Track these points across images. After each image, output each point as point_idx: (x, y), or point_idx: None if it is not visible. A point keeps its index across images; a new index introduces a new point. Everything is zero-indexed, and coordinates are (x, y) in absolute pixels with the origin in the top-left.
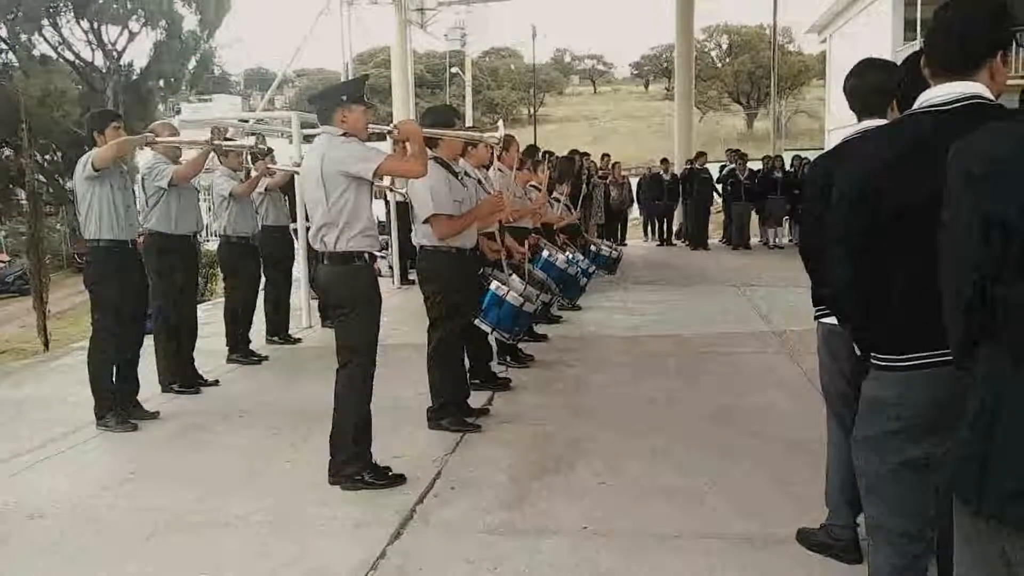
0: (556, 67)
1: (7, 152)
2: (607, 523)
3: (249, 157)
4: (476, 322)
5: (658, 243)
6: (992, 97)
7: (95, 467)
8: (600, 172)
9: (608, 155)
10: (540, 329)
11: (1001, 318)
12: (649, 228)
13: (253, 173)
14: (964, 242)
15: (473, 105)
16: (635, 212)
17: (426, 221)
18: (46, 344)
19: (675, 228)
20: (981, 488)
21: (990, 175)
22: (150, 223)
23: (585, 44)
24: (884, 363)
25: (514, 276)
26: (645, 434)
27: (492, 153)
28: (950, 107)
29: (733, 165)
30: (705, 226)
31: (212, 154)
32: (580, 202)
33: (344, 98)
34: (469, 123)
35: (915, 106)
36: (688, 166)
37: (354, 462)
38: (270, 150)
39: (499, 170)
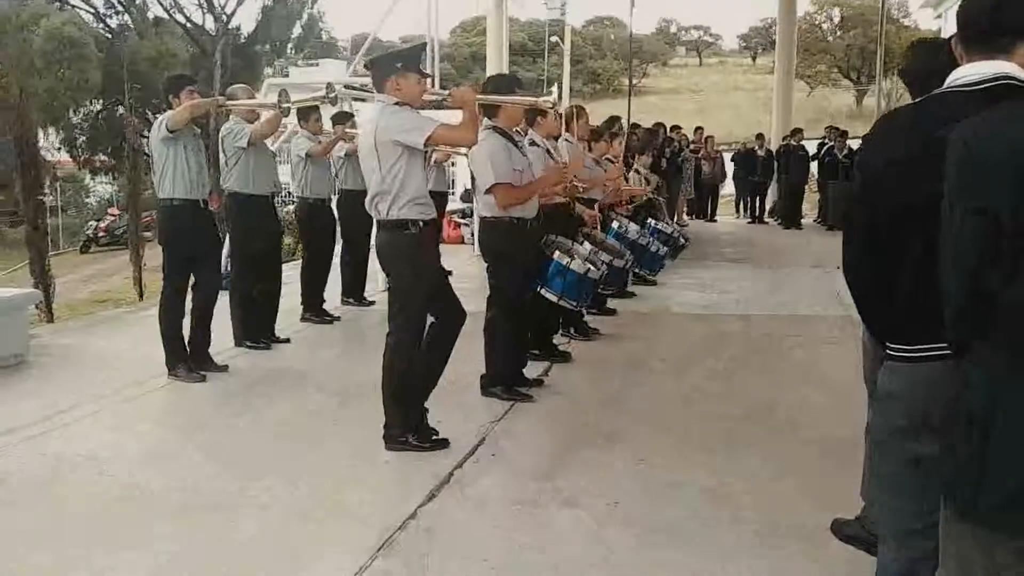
0: (661, 37)
1: (120, 111)
2: (631, 507)
3: (330, 121)
4: (542, 291)
5: (749, 220)
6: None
7: (158, 416)
8: (692, 146)
9: (701, 128)
10: (611, 303)
11: (994, 318)
12: (741, 205)
13: (326, 137)
14: (958, 235)
15: (573, 75)
16: (729, 188)
17: (488, 191)
18: (140, 295)
19: (768, 206)
20: (974, 493)
21: (980, 165)
22: (229, 183)
23: (692, 15)
24: (895, 353)
25: (582, 243)
26: (683, 422)
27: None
28: (976, 88)
29: (832, 143)
30: (799, 204)
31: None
32: (661, 175)
33: (399, 65)
34: (566, 93)
35: (944, 86)
36: (784, 142)
37: (399, 424)
38: (350, 115)
39: (567, 140)
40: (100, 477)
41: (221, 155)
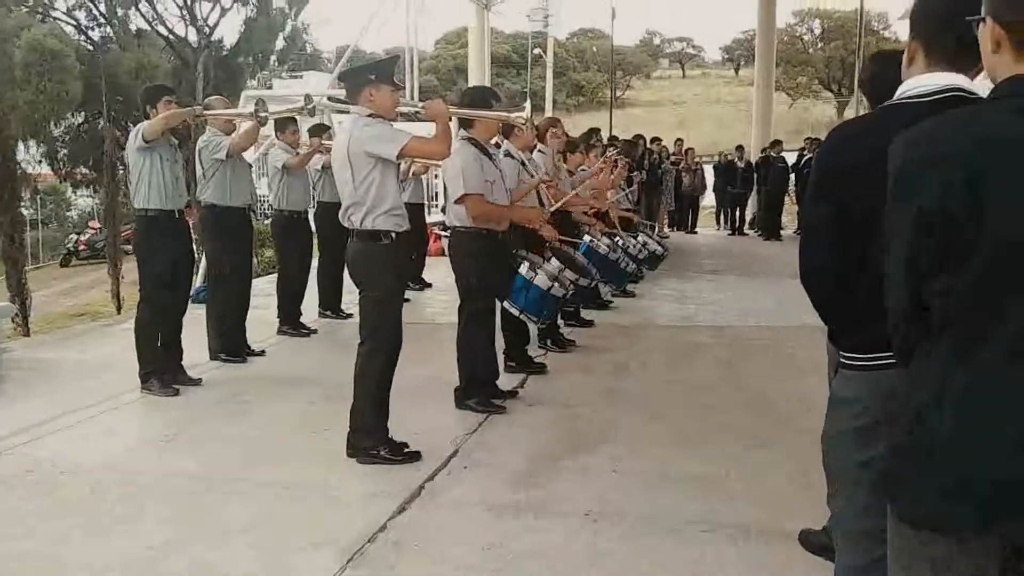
0: (644, 49)
1: (102, 123)
2: (615, 508)
3: (307, 132)
4: (505, 305)
5: (730, 232)
6: (974, 90)
7: (133, 429)
8: (672, 157)
9: (681, 140)
10: (587, 315)
11: (941, 315)
12: (722, 216)
13: (304, 150)
14: (900, 238)
15: (557, 87)
16: (710, 199)
17: (458, 201)
18: (119, 309)
19: (748, 217)
20: (914, 492)
21: (914, 168)
22: (206, 195)
23: (675, 27)
24: (848, 361)
25: (551, 260)
26: (672, 421)
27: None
28: (927, 99)
29: (811, 154)
30: (778, 216)
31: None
32: (640, 187)
33: (372, 77)
34: (550, 105)
35: (896, 95)
36: (764, 154)
37: (370, 436)
38: (327, 127)
39: (541, 151)
40: (80, 477)
41: (198, 167)
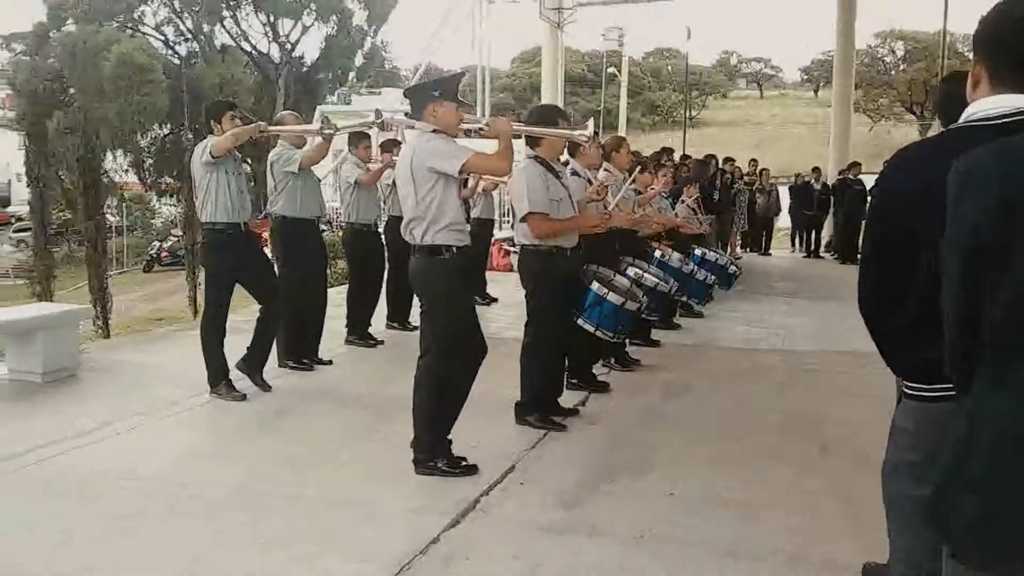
0: (721, 69)
1: (188, 135)
2: (660, 531)
3: (378, 148)
4: (579, 321)
5: (804, 255)
6: None
7: (195, 432)
8: (747, 178)
9: (756, 160)
10: (655, 335)
11: (985, 340)
12: (796, 238)
13: (375, 165)
14: (951, 262)
15: (632, 106)
16: (785, 221)
17: (523, 219)
18: (195, 314)
19: (824, 240)
20: (948, 521)
21: (962, 194)
22: (276, 207)
23: (753, 47)
24: (908, 390)
25: (619, 276)
26: (721, 445)
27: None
28: (993, 123)
29: None
30: (855, 239)
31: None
32: (712, 208)
33: (436, 94)
34: (623, 124)
35: (961, 119)
36: (841, 176)
37: (428, 449)
38: (398, 142)
39: (606, 170)
40: (133, 483)
41: (270, 179)
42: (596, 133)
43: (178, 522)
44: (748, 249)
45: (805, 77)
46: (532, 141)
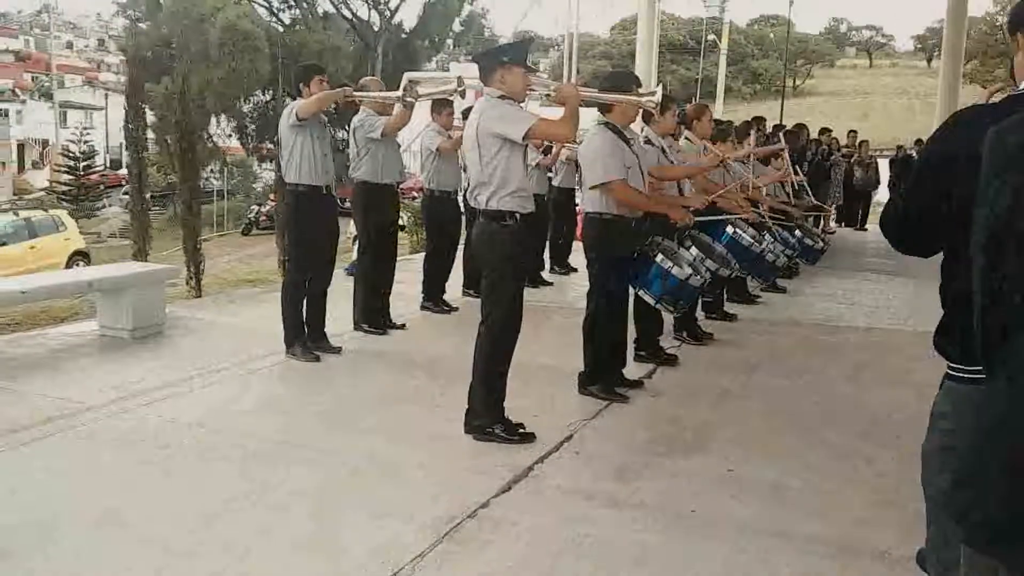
0: (829, 37)
1: (287, 101)
2: (710, 510)
3: (460, 116)
4: (640, 293)
5: None
6: None
7: (268, 389)
8: (844, 150)
9: (855, 132)
10: (731, 308)
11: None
12: None
13: (457, 132)
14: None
15: (733, 74)
16: (884, 195)
17: (593, 187)
18: (284, 275)
19: None
20: (965, 514)
21: (990, 163)
22: (358, 173)
23: (864, 14)
24: (953, 373)
25: (690, 248)
26: (785, 428)
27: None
28: None
29: None
30: None
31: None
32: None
33: (505, 59)
34: (721, 93)
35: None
36: None
37: (485, 415)
38: None
39: (687, 139)
40: (205, 435)
41: (352, 145)
42: (672, 99)
43: (247, 466)
44: (843, 224)
45: (919, 46)
46: (604, 107)
